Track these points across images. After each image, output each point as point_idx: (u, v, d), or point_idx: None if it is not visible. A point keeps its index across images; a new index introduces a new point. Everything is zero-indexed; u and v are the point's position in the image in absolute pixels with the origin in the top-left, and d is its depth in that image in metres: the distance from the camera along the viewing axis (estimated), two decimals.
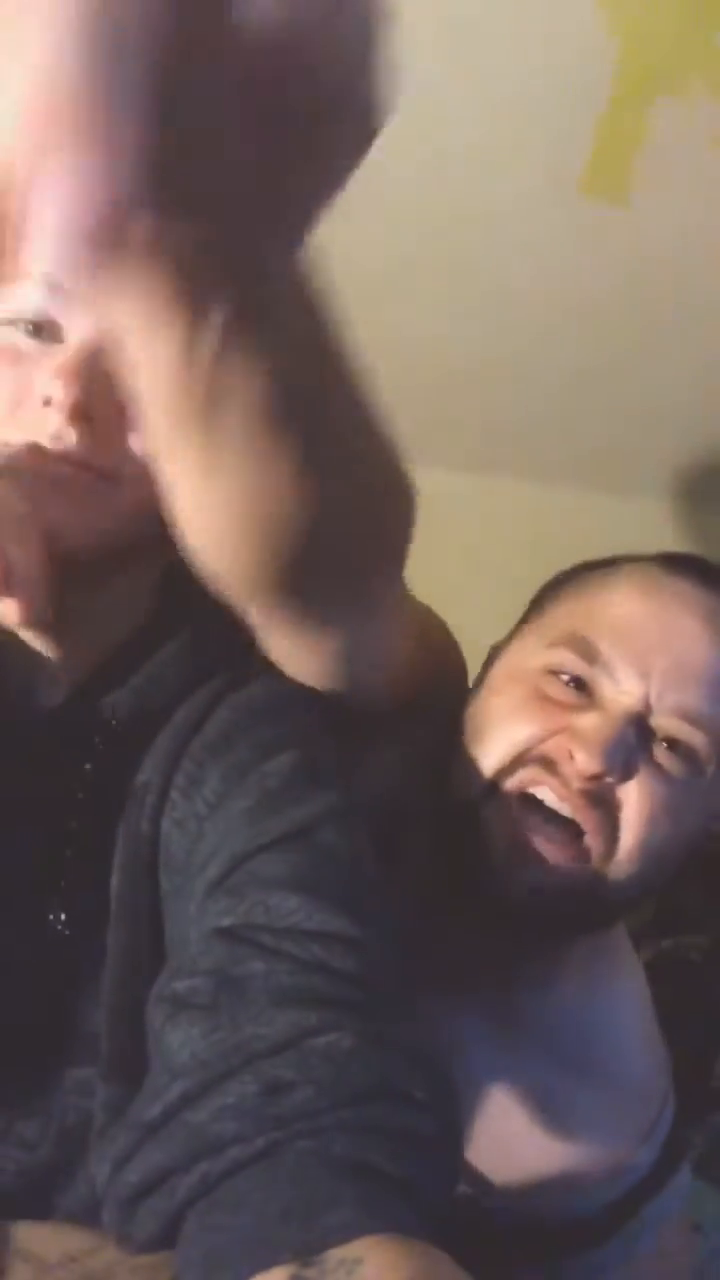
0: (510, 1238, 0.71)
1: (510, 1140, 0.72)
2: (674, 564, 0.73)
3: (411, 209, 1.22)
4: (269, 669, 0.66)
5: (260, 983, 0.50)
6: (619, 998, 0.77)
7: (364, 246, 1.21)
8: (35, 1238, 0.59)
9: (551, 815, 0.66)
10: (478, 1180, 0.71)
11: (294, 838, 0.56)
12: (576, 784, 0.65)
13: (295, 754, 0.60)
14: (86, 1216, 0.58)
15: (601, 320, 1.31)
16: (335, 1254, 0.40)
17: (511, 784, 0.67)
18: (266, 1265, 0.41)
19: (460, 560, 1.39)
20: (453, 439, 1.44)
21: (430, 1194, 0.46)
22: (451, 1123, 0.50)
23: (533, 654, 0.72)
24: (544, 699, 0.68)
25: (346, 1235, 0.41)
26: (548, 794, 0.66)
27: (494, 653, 0.77)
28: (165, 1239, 0.46)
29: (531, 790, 0.66)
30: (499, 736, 0.68)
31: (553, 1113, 0.73)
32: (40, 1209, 0.60)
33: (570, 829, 0.66)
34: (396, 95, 0.36)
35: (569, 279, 1.28)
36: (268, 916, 0.53)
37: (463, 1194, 0.70)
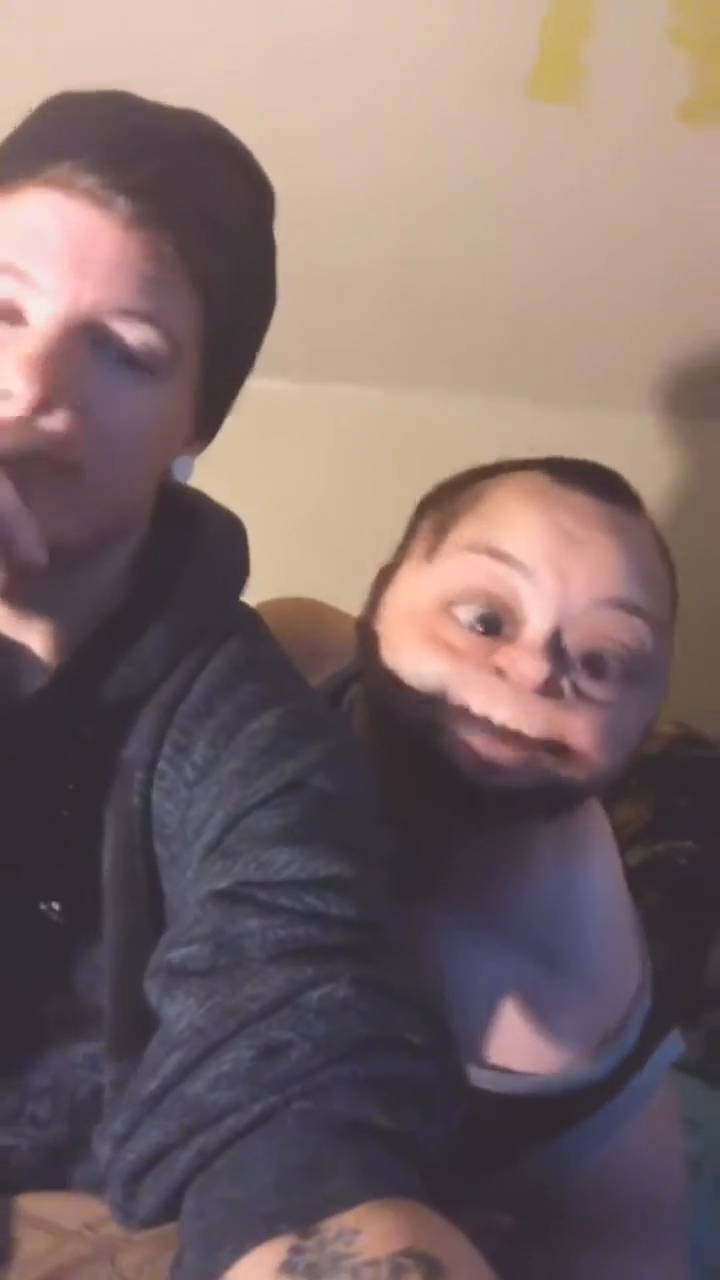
0: (496, 1118, 0.73)
1: (492, 1029, 0.74)
2: (565, 472, 0.70)
3: (354, 124, 1.17)
4: (243, 632, 0.66)
5: (256, 940, 0.51)
6: (593, 886, 0.78)
7: (307, 164, 1.17)
8: (53, 1207, 0.62)
9: (509, 731, 0.65)
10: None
11: (286, 791, 0.56)
12: (527, 700, 0.64)
13: (279, 710, 0.60)
14: (103, 1188, 0.59)
15: (555, 229, 1.27)
16: (333, 1223, 0.41)
17: (455, 711, 0.66)
18: (266, 1237, 0.41)
19: (411, 478, 1.39)
20: (399, 355, 1.42)
21: (430, 1143, 0.47)
22: (450, 1064, 0.51)
23: (428, 579, 0.69)
24: (444, 645, 0.66)
25: (344, 1203, 0.42)
26: (500, 710, 0.65)
27: (384, 575, 0.75)
28: (167, 1215, 0.47)
29: (482, 711, 0.65)
30: (417, 678, 0.67)
31: (533, 1003, 0.74)
32: (56, 1182, 0.62)
33: (523, 739, 0.65)
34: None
35: (519, 186, 1.23)
36: (262, 872, 0.53)
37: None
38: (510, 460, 0.74)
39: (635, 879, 1.30)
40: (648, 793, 1.34)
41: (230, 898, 0.53)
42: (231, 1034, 0.48)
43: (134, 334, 0.54)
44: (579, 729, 0.65)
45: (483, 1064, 0.73)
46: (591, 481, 0.70)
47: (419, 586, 0.70)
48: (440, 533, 0.71)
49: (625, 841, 1.34)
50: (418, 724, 0.66)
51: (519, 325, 1.38)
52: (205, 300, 0.57)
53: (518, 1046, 0.74)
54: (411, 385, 1.45)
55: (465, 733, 0.65)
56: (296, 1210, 0.42)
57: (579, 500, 0.68)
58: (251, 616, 0.69)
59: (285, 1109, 0.46)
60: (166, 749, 0.60)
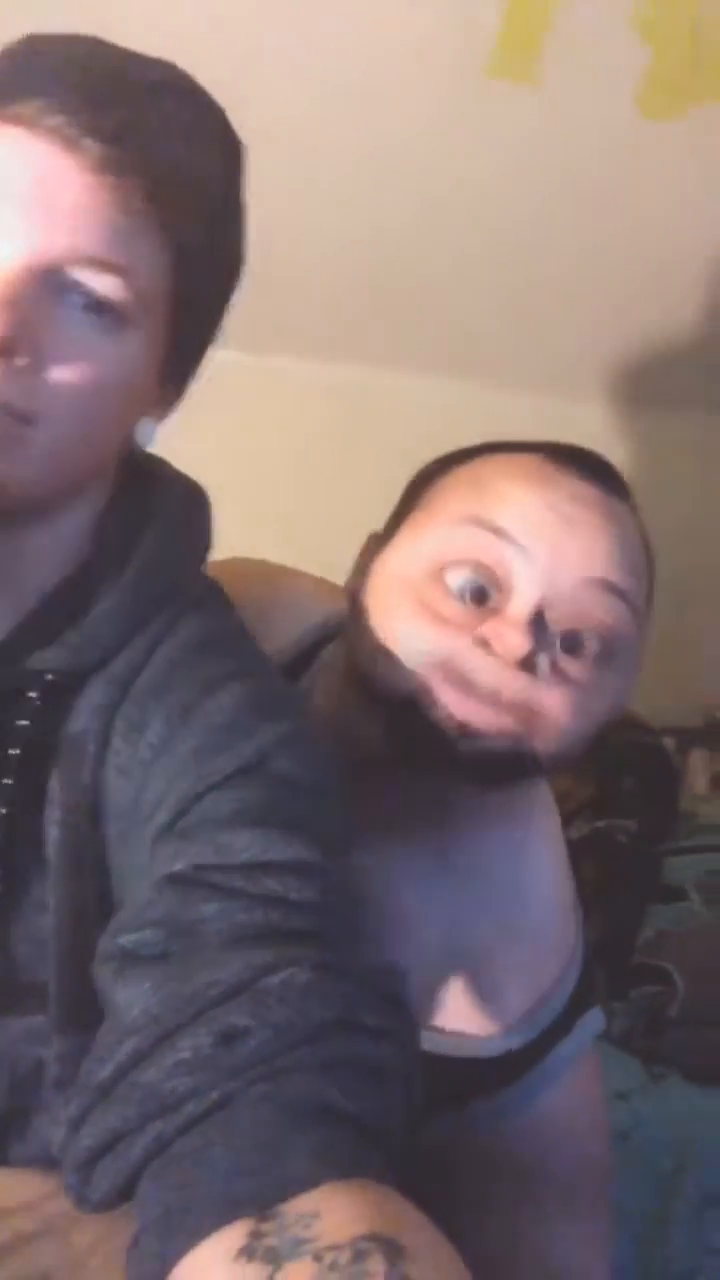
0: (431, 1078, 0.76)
1: (436, 984, 0.75)
2: (563, 457, 0.72)
3: (316, 99, 1.16)
4: (204, 605, 0.64)
5: (213, 925, 0.50)
6: (542, 853, 0.80)
7: (263, 129, 1.15)
8: None
9: (489, 694, 0.67)
10: None
11: (245, 772, 0.55)
12: (504, 669, 0.66)
13: (239, 687, 0.59)
14: (43, 1164, 0.58)
15: (514, 212, 1.27)
16: (292, 1206, 0.40)
17: (440, 677, 0.67)
18: (224, 1222, 0.41)
19: (337, 454, 1.38)
20: (354, 332, 1.41)
21: (391, 1124, 0.47)
22: (409, 1045, 0.51)
23: (421, 546, 0.71)
24: (433, 614, 0.68)
25: (303, 1186, 0.41)
26: (483, 675, 0.67)
27: (374, 543, 0.76)
28: (122, 1199, 0.46)
29: (468, 674, 0.67)
30: (406, 646, 0.68)
31: (485, 967, 0.76)
32: None
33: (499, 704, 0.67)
34: None
35: (479, 167, 1.23)
36: (219, 855, 0.52)
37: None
38: (506, 441, 0.75)
39: (575, 850, 1.33)
40: (589, 770, 1.37)
41: (186, 881, 0.52)
42: (189, 1020, 0.47)
43: (100, 284, 0.52)
44: (551, 705, 0.67)
45: (426, 1025, 0.75)
46: (587, 466, 0.72)
47: (412, 553, 0.71)
48: (436, 505, 0.73)
49: (567, 815, 1.37)
50: (402, 686, 0.68)
51: (475, 306, 1.37)
52: (175, 253, 0.55)
53: (466, 1009, 0.76)
54: (365, 363, 1.43)
55: (447, 696, 0.67)
56: (255, 1194, 0.41)
57: (574, 483, 0.70)
58: (213, 589, 0.68)
59: (243, 1094, 0.45)
60: (120, 724, 0.59)
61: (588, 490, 0.70)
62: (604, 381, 1.46)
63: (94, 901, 0.58)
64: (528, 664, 0.66)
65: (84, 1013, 0.54)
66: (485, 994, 0.76)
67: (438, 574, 0.69)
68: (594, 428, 1.48)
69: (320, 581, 0.85)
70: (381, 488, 0.78)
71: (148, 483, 0.65)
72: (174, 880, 0.52)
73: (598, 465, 0.73)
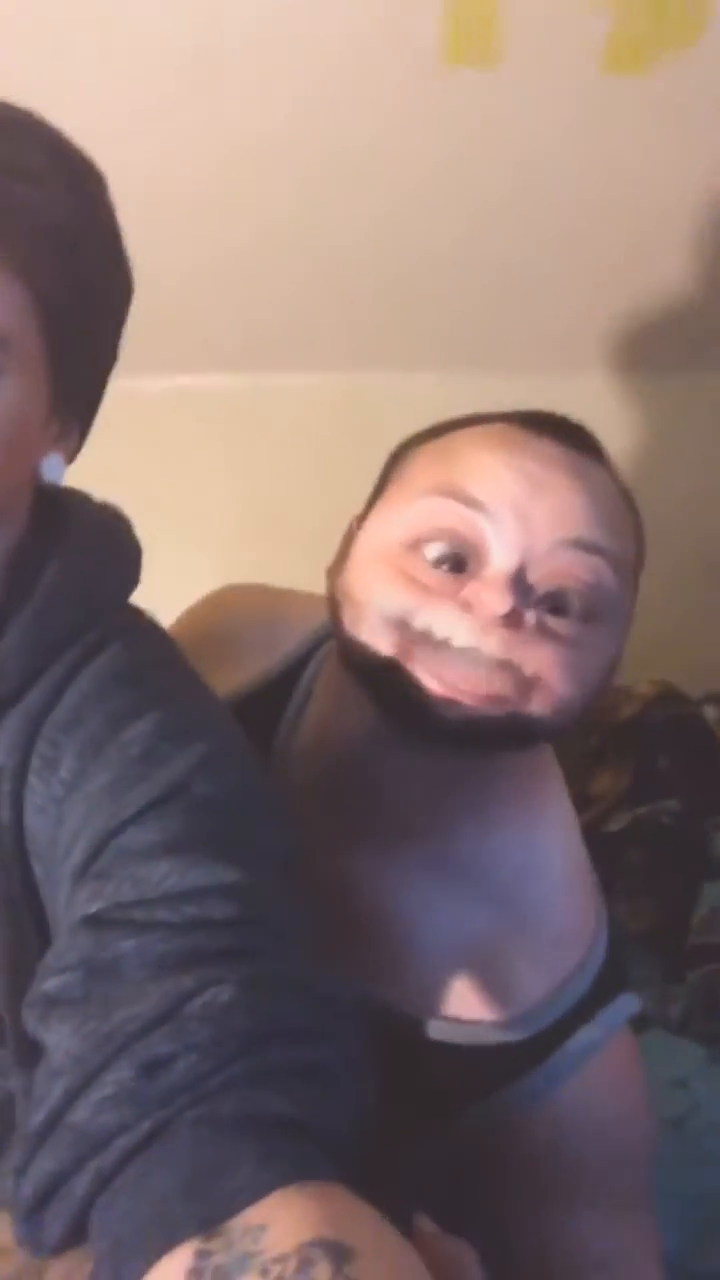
0: (441, 1069, 0.74)
1: (449, 978, 0.74)
2: (533, 422, 0.73)
3: (287, 113, 1.16)
4: (124, 635, 0.63)
5: (133, 960, 0.49)
6: (553, 839, 0.79)
7: (227, 127, 1.15)
8: None
9: (470, 655, 0.66)
10: (411, 1018, 0.74)
11: (163, 801, 0.54)
12: (489, 627, 0.66)
13: (155, 716, 0.58)
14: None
15: (489, 197, 1.26)
16: (239, 1221, 0.40)
17: (420, 640, 0.67)
18: (171, 1245, 0.41)
19: (343, 461, 1.39)
20: (346, 339, 1.42)
21: (336, 1123, 0.47)
22: (351, 1042, 0.50)
23: (396, 521, 0.71)
24: (411, 580, 0.68)
25: (249, 1198, 0.41)
26: (462, 633, 0.66)
27: (354, 525, 0.77)
28: (76, 1240, 0.46)
29: (446, 636, 0.67)
30: (382, 608, 0.68)
31: (491, 953, 0.75)
32: None
33: (491, 664, 0.66)
34: None
35: (452, 157, 1.22)
36: (138, 890, 0.51)
37: (401, 1022, 0.73)
38: (479, 414, 0.75)
39: (618, 840, 1.30)
40: (625, 760, 1.34)
41: (103, 921, 0.51)
42: (111, 1057, 0.46)
43: None
44: (541, 659, 0.67)
45: (436, 1013, 0.74)
46: (557, 429, 0.72)
47: (388, 527, 0.72)
48: (408, 479, 0.73)
49: (606, 810, 1.34)
50: (383, 657, 0.68)
51: (461, 295, 1.36)
52: (32, 289, 0.55)
53: (473, 997, 0.75)
54: (359, 368, 1.44)
55: (429, 663, 0.67)
56: (200, 1213, 0.41)
57: (543, 446, 0.70)
58: (139, 618, 0.67)
59: (178, 1120, 0.45)
60: (35, 762, 0.58)
61: (557, 451, 0.70)
62: (601, 351, 1.44)
63: (33, 939, 0.58)
64: (512, 621, 0.66)
65: (38, 1047, 0.54)
66: (496, 983, 0.75)
67: (415, 546, 0.69)
68: (596, 399, 1.45)
69: (319, 598, 0.85)
70: None
71: (60, 518, 0.65)
72: (89, 922, 0.52)
73: (569, 428, 0.73)
